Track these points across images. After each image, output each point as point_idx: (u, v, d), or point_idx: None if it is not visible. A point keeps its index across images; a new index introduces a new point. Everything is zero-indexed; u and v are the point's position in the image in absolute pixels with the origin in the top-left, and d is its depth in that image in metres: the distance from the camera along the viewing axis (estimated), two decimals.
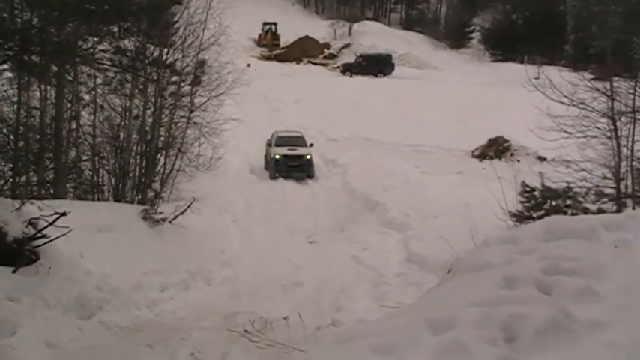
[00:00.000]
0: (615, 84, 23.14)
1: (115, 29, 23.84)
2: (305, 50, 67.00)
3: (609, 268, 8.58)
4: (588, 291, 7.90)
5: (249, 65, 47.29)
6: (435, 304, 8.39)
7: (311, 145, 38.05)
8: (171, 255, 19.12)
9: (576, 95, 23.13)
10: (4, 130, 24.69)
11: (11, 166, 24.68)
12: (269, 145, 38.01)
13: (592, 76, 25.26)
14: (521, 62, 54.49)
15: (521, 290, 7.84)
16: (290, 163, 36.27)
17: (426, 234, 23.22)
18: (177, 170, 28.89)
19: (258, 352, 12.21)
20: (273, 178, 36.04)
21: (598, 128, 22.87)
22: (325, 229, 25.81)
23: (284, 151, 36.62)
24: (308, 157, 36.71)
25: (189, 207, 22.22)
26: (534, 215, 20.47)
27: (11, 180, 23.51)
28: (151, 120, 28.32)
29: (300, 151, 36.97)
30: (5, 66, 19.90)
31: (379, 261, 21.95)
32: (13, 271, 13.50)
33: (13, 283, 13.02)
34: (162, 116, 28.78)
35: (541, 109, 22.66)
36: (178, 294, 17.30)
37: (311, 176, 36.20)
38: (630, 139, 22.70)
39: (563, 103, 23.01)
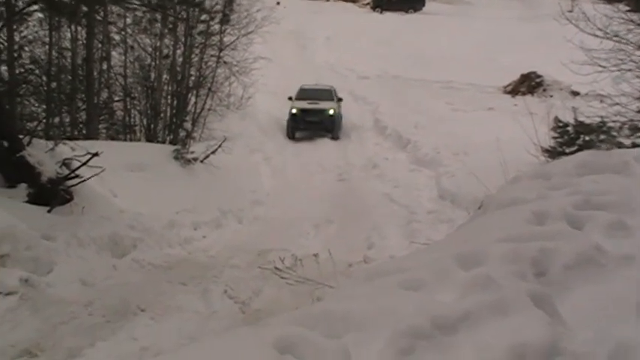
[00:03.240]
0: None
1: None
2: None
3: None
4: (620, 225, 7.87)
5: (278, 3, 47.04)
6: (465, 240, 8.39)
7: (339, 99, 34.02)
8: (202, 194, 19.22)
9: (610, 28, 22.77)
10: (37, 72, 24.72)
11: (44, 107, 24.81)
12: (290, 98, 33.65)
13: (627, 8, 24.93)
14: None
15: (552, 225, 7.82)
16: (308, 119, 32.21)
17: (457, 171, 23.17)
18: (208, 109, 28.99)
19: (290, 289, 12.30)
20: (290, 136, 32.29)
21: (633, 61, 22.54)
22: (356, 167, 25.82)
23: (303, 104, 32.64)
24: (331, 112, 32.38)
25: (220, 146, 22.29)
26: (567, 151, 20.29)
27: (44, 121, 23.56)
28: (181, 59, 28.39)
29: (322, 105, 32.61)
30: (35, 7, 19.91)
31: (410, 198, 21.94)
32: (48, 211, 13.63)
33: (48, 223, 13.14)
34: (192, 55, 28.83)
35: (574, 42, 22.39)
36: (210, 232, 17.42)
37: (335, 136, 31.94)
38: None
39: (597, 36, 22.68)
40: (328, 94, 34.13)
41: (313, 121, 32.30)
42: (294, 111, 32.42)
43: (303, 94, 33.98)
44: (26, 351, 9.36)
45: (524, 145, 21.04)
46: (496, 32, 47.20)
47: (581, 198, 8.59)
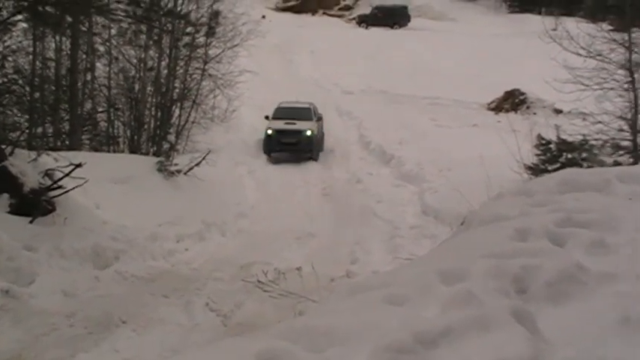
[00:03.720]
0: (634, 35, 23.01)
1: None
2: (320, 1, 66.69)
3: (622, 220, 8.62)
4: (601, 243, 7.96)
5: (264, 17, 47.03)
6: (448, 255, 8.46)
7: (319, 118, 32.01)
8: (186, 206, 19.24)
9: (594, 47, 23.05)
10: (20, 82, 24.76)
11: (27, 117, 24.80)
12: (267, 117, 31.33)
13: (610, 28, 25.17)
14: (539, 14, 54.01)
15: (534, 242, 7.90)
16: (285, 140, 29.78)
17: (440, 186, 23.27)
18: (193, 122, 29.08)
19: (272, 302, 12.33)
20: (268, 155, 29.95)
21: (615, 80, 22.79)
22: (340, 182, 25.84)
23: (279, 125, 30.11)
24: (308, 133, 29.90)
25: (204, 159, 22.32)
26: (550, 168, 20.40)
27: (27, 131, 23.57)
28: (165, 71, 28.45)
29: (299, 125, 30.11)
30: (20, 17, 19.95)
31: (394, 213, 22.00)
32: (30, 222, 13.67)
33: (30, 233, 13.18)
34: (177, 68, 28.91)
35: (558, 61, 22.58)
36: (193, 245, 17.43)
37: (314, 158, 29.82)
38: None
39: (580, 55, 22.94)
40: (307, 113, 31.77)
41: (290, 142, 30.01)
42: (269, 132, 30.09)
43: (281, 112, 31.65)
44: None
45: (508, 162, 21.23)
46: (481, 48, 47.40)
47: (563, 215, 8.68)
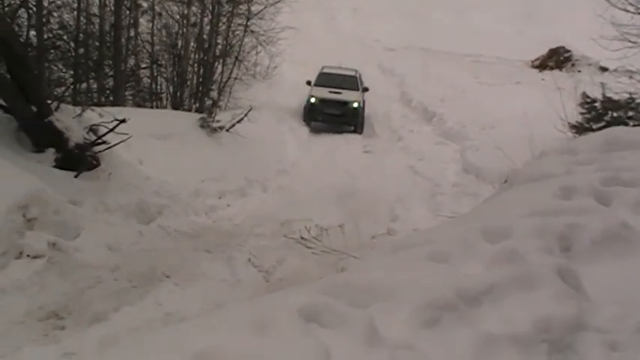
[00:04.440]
0: None
1: None
2: None
3: None
4: None
5: None
6: (492, 213, 8.41)
7: (365, 89, 29.78)
8: (228, 163, 19.25)
9: None
10: (65, 37, 24.82)
11: (72, 72, 24.91)
12: (309, 83, 29.64)
13: None
14: None
15: (579, 201, 7.83)
16: (328, 111, 27.95)
17: (482, 145, 23.15)
18: (235, 79, 29.06)
19: (314, 259, 12.36)
20: (308, 125, 28.15)
21: None
22: (382, 140, 25.78)
23: (324, 93, 28.25)
24: (355, 105, 28.10)
25: (246, 115, 22.28)
26: (594, 127, 20.19)
27: (72, 87, 23.70)
28: (208, 28, 28.42)
29: (345, 95, 28.28)
30: None
31: (435, 171, 21.93)
32: (75, 176, 13.71)
33: (76, 188, 13.24)
34: (220, 24, 28.85)
35: (605, 17, 22.33)
36: (235, 201, 17.46)
37: (358, 131, 27.91)
38: None
39: (628, 11, 22.62)
40: (353, 82, 29.99)
41: (334, 113, 28.10)
42: (312, 100, 28.32)
43: (325, 79, 29.80)
44: (53, 313, 9.47)
45: (552, 120, 21.01)
46: (524, 4, 46.92)
47: (609, 174, 8.59)
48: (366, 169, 22.30)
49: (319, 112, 28.26)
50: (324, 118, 28.30)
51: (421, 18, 45.67)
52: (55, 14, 24.37)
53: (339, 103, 28.13)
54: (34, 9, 22.09)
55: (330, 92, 28.47)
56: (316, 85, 29.24)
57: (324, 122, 28.26)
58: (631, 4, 22.13)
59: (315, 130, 27.49)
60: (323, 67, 31.08)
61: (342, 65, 32.51)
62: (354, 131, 27.88)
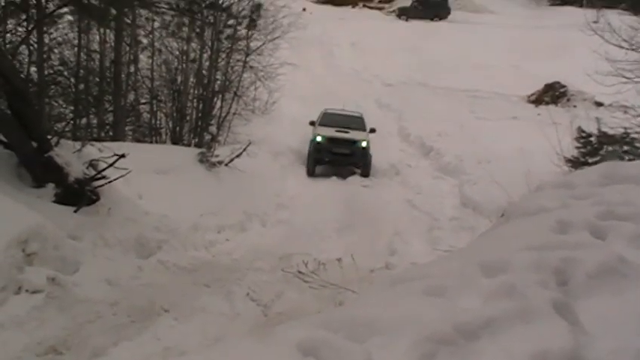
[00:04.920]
0: None
1: None
2: None
3: None
4: None
5: (304, 9, 47.08)
6: (489, 247, 8.44)
7: (372, 130, 27.76)
8: (227, 197, 19.29)
9: (636, 39, 23.07)
10: (65, 73, 25.06)
11: (72, 108, 25.10)
12: (312, 123, 28.09)
13: None
14: (580, 6, 53.57)
15: (575, 235, 7.87)
16: (336, 150, 25.95)
17: (479, 179, 23.23)
18: (234, 114, 29.15)
19: (312, 293, 12.41)
20: (310, 172, 26.17)
21: None
22: (379, 173, 25.79)
23: (330, 132, 26.46)
24: (364, 144, 26.25)
25: (245, 150, 22.39)
26: (590, 161, 20.33)
27: (72, 122, 23.87)
28: (207, 63, 28.57)
29: (353, 134, 26.57)
30: (65, 9, 20.14)
31: (433, 205, 22.01)
32: (75, 211, 13.76)
33: (75, 223, 13.28)
34: (219, 60, 29.01)
35: (599, 53, 22.57)
36: (234, 235, 17.48)
37: (366, 174, 25.92)
38: None
39: (622, 47, 22.95)
40: (359, 122, 28.22)
41: (343, 152, 26.04)
42: (319, 139, 26.31)
43: (329, 119, 27.97)
44: (52, 348, 9.50)
45: (548, 154, 21.21)
46: (521, 41, 47.13)
47: (604, 208, 8.63)
48: (364, 204, 22.34)
49: (326, 152, 26.22)
50: (331, 159, 26.30)
51: (419, 54, 45.88)
52: (55, 51, 24.57)
53: (347, 142, 26.37)
54: (35, 46, 22.29)
55: (337, 131, 26.74)
56: (321, 124, 27.63)
57: (331, 163, 26.29)
58: (625, 41, 22.46)
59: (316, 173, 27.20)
60: (326, 109, 29.38)
61: (343, 102, 32.01)
62: (362, 174, 25.91)
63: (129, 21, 25.88)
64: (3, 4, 18.45)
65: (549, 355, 5.50)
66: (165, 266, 13.89)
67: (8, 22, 20.07)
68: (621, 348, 5.80)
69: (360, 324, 5.55)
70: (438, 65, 43.17)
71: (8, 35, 20.49)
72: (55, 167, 14.14)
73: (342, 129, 26.85)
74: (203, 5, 27.82)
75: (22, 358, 9.18)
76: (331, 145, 26.16)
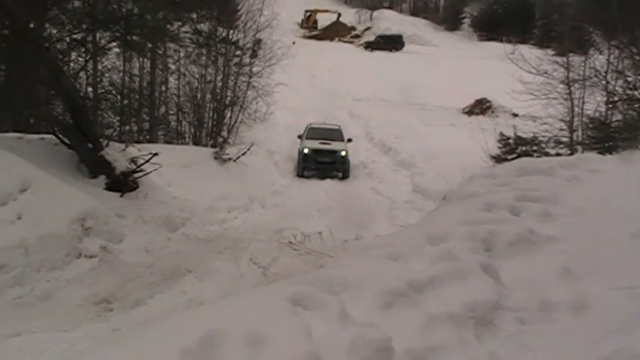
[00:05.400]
0: (570, 58, 23.54)
1: (194, 15, 23.92)
2: (337, 31, 66.33)
3: (563, 196, 8.66)
4: (547, 214, 8.01)
5: (294, 43, 46.82)
6: (433, 223, 8.48)
7: (349, 140, 26.91)
8: (235, 185, 19.25)
9: (541, 67, 23.39)
10: (113, 92, 25.03)
11: (118, 118, 25.05)
12: (300, 137, 26.90)
13: (553, 53, 25.69)
14: (501, 41, 53.51)
15: (498, 213, 7.95)
16: (320, 159, 24.89)
17: (427, 171, 23.35)
18: (240, 122, 29.10)
19: (300, 258, 12.39)
20: (300, 175, 24.90)
21: (557, 92, 23.14)
22: (352, 168, 25.71)
23: (315, 144, 25.38)
24: (343, 153, 25.21)
25: (248, 149, 22.32)
26: (509, 157, 20.44)
27: (118, 129, 23.91)
28: (220, 84, 28.51)
29: (334, 145, 25.56)
30: (114, 44, 20.13)
31: (392, 191, 22.01)
32: (120, 196, 13.78)
33: (120, 205, 13.27)
34: (229, 81, 28.94)
35: (515, 77, 22.80)
36: (240, 214, 17.42)
37: (346, 176, 25.01)
38: (581, 100, 23.09)
39: (531, 72, 23.25)
40: (338, 135, 26.99)
41: (324, 161, 24.94)
42: (305, 151, 25.12)
43: (314, 133, 26.78)
44: (104, 299, 9.51)
45: (477, 153, 21.36)
46: (457, 67, 47.30)
47: (519, 193, 8.73)
48: (339, 191, 22.33)
49: (312, 161, 24.93)
50: (317, 167, 24.88)
51: (380, 76, 45.81)
52: (106, 75, 24.50)
53: (329, 152, 25.13)
54: (91, 71, 22.44)
55: (321, 143, 25.41)
56: (307, 138, 26.20)
57: (317, 170, 24.78)
58: (533, 68, 22.93)
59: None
60: (311, 123, 28.09)
61: (324, 114, 31.97)
62: (342, 177, 24.87)
63: (161, 52, 25.78)
64: (68, 40, 18.39)
65: (478, 304, 5.55)
66: (188, 238, 13.85)
67: (72, 53, 20.03)
68: (530, 297, 5.86)
69: (336, 281, 5.57)
70: (394, 85, 43.16)
71: (71, 64, 20.44)
72: (106, 163, 14.19)
73: (325, 141, 25.67)
74: (217, 40, 27.77)
75: (82, 305, 9.21)
76: (316, 155, 24.89)
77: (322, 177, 24.22)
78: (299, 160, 25.08)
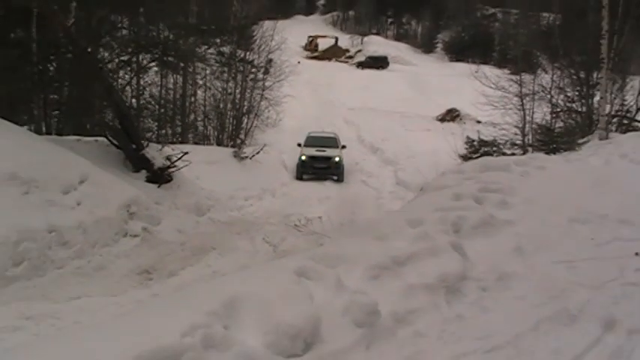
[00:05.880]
0: (522, 76, 24.09)
1: (218, 40, 23.94)
2: (334, 53, 65.96)
3: (517, 188, 8.71)
4: (504, 202, 8.05)
5: (299, 62, 46.42)
6: (412, 210, 8.52)
7: (343, 146, 25.52)
8: (250, 179, 19.26)
9: (500, 83, 23.60)
10: (152, 102, 25.17)
11: (156, 124, 25.14)
12: (299, 145, 25.19)
13: (509, 72, 26.00)
14: (468, 62, 53.62)
15: (465, 201, 7.97)
16: (317, 165, 23.51)
17: (408, 167, 23.40)
18: (254, 127, 29.05)
19: (304, 238, 12.43)
20: (299, 179, 23.16)
21: (512, 103, 23.43)
22: (345, 165, 25.72)
23: (312, 151, 23.98)
24: (337, 159, 23.77)
25: (261, 149, 22.31)
26: (474, 156, 20.50)
27: (156, 132, 24.01)
28: (239, 95, 28.45)
29: (329, 152, 24.12)
30: (153, 64, 20.25)
31: (378, 184, 22.07)
32: (158, 187, 13.83)
33: (158, 194, 13.31)
34: (246, 93, 28.87)
35: (479, 91, 22.98)
36: (255, 202, 17.44)
37: (340, 180, 23.17)
38: (531, 110, 23.57)
39: (492, 87, 23.44)
40: (333, 142, 25.50)
41: (320, 167, 23.54)
42: (303, 158, 23.67)
43: (311, 140, 25.33)
44: (145, 270, 9.57)
45: (448, 153, 21.37)
46: (431, 83, 47.18)
47: (482, 185, 8.76)
48: (336, 184, 22.38)
49: (309, 167, 23.38)
50: (314, 172, 23.35)
51: (369, 90, 45.66)
52: (146, 89, 24.60)
53: (325, 159, 23.61)
54: (135, 86, 22.70)
55: (317, 150, 23.94)
56: (305, 145, 24.74)
57: (314, 174, 23.29)
58: (493, 84, 23.32)
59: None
60: (310, 132, 26.69)
61: (323, 123, 31.48)
62: (337, 180, 23.15)
63: (191, 70, 25.83)
64: (117, 61, 18.54)
65: (448, 275, 5.59)
66: (213, 221, 13.90)
67: (120, 72, 20.21)
68: (490, 269, 5.91)
69: (333, 257, 5.61)
70: (381, 97, 43.04)
71: (119, 80, 20.60)
72: (146, 160, 14.22)
73: (321, 148, 24.15)
74: (236, 60, 27.76)
75: (128, 275, 9.30)
76: (313, 161, 23.40)
77: (319, 180, 22.91)
78: (298, 165, 23.54)
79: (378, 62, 60.26)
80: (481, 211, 7.41)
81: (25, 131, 13.43)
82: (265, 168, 21.55)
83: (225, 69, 27.63)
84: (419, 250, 5.90)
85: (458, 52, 65.46)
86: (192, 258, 10.63)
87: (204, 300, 4.34)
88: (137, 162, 14.27)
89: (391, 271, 5.45)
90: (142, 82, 23.64)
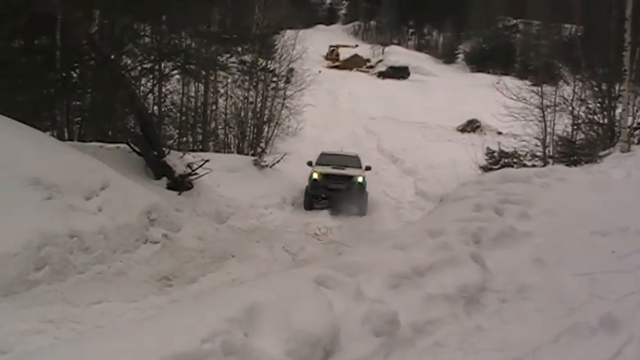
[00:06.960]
0: (544, 88, 23.87)
1: (240, 49, 24.05)
2: (355, 63, 66.01)
3: (537, 200, 8.68)
4: (524, 214, 8.02)
5: (320, 71, 46.38)
6: (432, 220, 8.51)
7: (368, 167, 19.87)
8: (270, 187, 19.23)
9: (521, 94, 23.56)
10: (174, 110, 25.27)
11: (177, 131, 25.23)
12: (309, 163, 19.92)
13: (530, 83, 25.97)
14: (489, 73, 53.41)
15: (485, 212, 7.95)
16: (332, 186, 17.88)
17: (428, 178, 23.30)
18: (275, 135, 29.10)
19: (323, 247, 12.46)
20: (308, 208, 17.95)
21: (533, 115, 23.27)
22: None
23: (327, 169, 18.66)
24: (360, 179, 18.27)
25: (282, 158, 22.32)
26: (494, 168, 20.39)
27: (177, 140, 24.09)
28: (260, 104, 28.51)
29: (349, 171, 18.66)
30: (175, 72, 20.38)
31: (398, 194, 21.93)
32: (179, 194, 13.87)
33: (179, 201, 13.38)
34: (267, 102, 28.95)
35: (500, 102, 22.90)
36: (275, 211, 17.40)
37: (362, 212, 17.35)
38: (552, 122, 23.26)
39: (512, 98, 23.35)
40: (355, 161, 20.08)
41: (338, 188, 17.81)
42: (315, 176, 18.37)
43: (326, 159, 19.99)
44: (165, 277, 9.61)
45: (469, 163, 21.28)
46: (453, 93, 47.01)
47: (502, 197, 8.74)
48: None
49: (322, 189, 18.10)
50: (328, 194, 18.02)
51: (390, 99, 45.65)
52: (168, 96, 24.71)
53: (343, 178, 18.24)
54: (157, 93, 22.85)
55: (334, 168, 18.81)
56: (317, 164, 19.68)
57: (328, 198, 18.04)
58: (514, 95, 23.16)
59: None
60: (323, 151, 21.78)
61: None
62: (359, 213, 17.32)
63: (212, 78, 25.98)
64: (139, 69, 18.70)
65: (468, 286, 5.58)
66: (233, 229, 13.93)
67: (142, 79, 20.38)
68: (509, 281, 5.88)
69: (353, 266, 5.62)
70: (402, 107, 43.02)
71: (142, 87, 20.75)
72: (167, 167, 14.29)
73: (338, 166, 19.02)
74: (258, 69, 27.84)
75: (148, 281, 9.34)
76: (327, 180, 18.17)
77: (334, 213, 17.31)
78: (307, 189, 18.37)
79: (399, 72, 60.20)
80: (501, 223, 7.40)
81: (48, 137, 13.58)
82: (285, 177, 21.54)
83: (247, 77, 27.70)
84: (439, 261, 5.90)
85: (479, 63, 65.16)
86: (212, 265, 10.68)
87: (225, 307, 4.37)
88: (158, 169, 14.35)
89: (411, 281, 5.45)
90: (163, 90, 23.77)
